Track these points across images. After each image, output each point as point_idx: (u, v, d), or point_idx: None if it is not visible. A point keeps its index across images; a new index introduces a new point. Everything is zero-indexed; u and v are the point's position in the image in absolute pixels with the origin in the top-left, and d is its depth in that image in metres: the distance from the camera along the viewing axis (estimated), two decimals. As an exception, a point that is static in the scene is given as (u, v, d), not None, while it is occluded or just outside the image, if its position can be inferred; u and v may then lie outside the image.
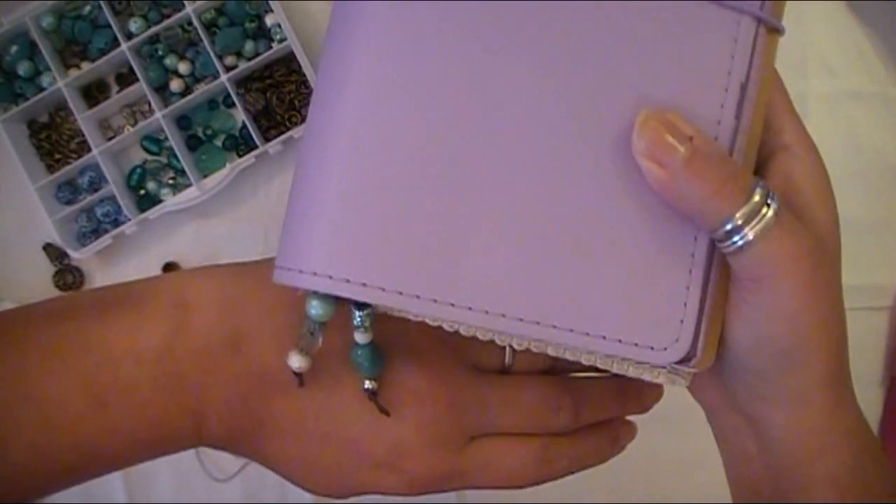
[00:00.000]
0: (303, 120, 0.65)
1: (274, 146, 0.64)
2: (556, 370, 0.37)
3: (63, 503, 0.64)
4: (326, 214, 0.29)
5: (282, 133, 0.64)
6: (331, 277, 0.29)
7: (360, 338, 0.32)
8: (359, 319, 0.31)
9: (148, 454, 0.33)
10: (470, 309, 0.30)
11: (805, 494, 0.31)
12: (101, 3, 0.63)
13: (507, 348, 0.36)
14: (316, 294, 0.30)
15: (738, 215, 0.28)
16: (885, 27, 0.65)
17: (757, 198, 0.28)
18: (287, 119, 0.65)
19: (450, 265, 0.30)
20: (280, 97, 0.66)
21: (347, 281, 0.29)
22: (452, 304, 0.30)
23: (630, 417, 0.40)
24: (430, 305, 0.30)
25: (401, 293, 0.29)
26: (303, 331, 0.31)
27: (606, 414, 0.39)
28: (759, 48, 0.30)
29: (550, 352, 0.32)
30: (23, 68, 0.64)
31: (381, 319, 0.32)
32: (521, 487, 0.36)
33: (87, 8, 0.65)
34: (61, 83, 0.63)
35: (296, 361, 0.31)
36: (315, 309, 0.31)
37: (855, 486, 0.31)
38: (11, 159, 0.64)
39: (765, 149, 0.32)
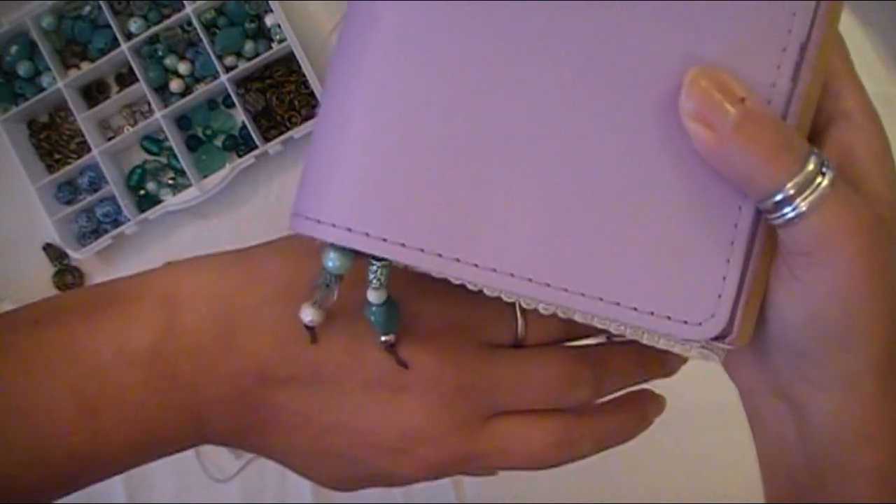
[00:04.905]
0: (303, 120, 0.65)
1: (274, 146, 0.64)
2: (573, 337, 0.36)
3: (63, 503, 0.64)
4: (349, 165, 0.28)
5: (282, 133, 0.64)
6: (350, 230, 0.28)
7: (374, 297, 0.30)
8: (373, 274, 0.30)
9: (147, 457, 0.32)
10: (494, 271, 0.28)
11: (846, 484, 0.30)
12: (101, 3, 0.63)
13: (519, 319, 0.34)
14: (333, 246, 0.29)
15: (789, 185, 0.26)
16: (885, 27, 0.65)
17: (811, 166, 0.26)
18: (287, 119, 0.65)
19: (475, 224, 0.28)
20: (280, 97, 0.65)
21: (367, 235, 0.28)
22: (476, 265, 0.28)
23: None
24: (452, 265, 0.28)
25: (422, 250, 0.28)
26: (318, 282, 0.30)
27: (629, 382, 0.37)
28: (823, 6, 0.27)
29: (578, 318, 0.31)
30: (23, 68, 0.64)
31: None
32: (542, 469, 0.35)
33: (87, 8, 0.65)
34: (61, 83, 0.63)
35: (308, 315, 0.30)
36: (332, 261, 0.29)
37: None
38: (11, 159, 0.64)
39: (822, 116, 0.30)
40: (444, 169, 0.28)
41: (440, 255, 0.28)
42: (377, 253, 0.28)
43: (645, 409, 0.37)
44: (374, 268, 0.30)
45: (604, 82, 0.28)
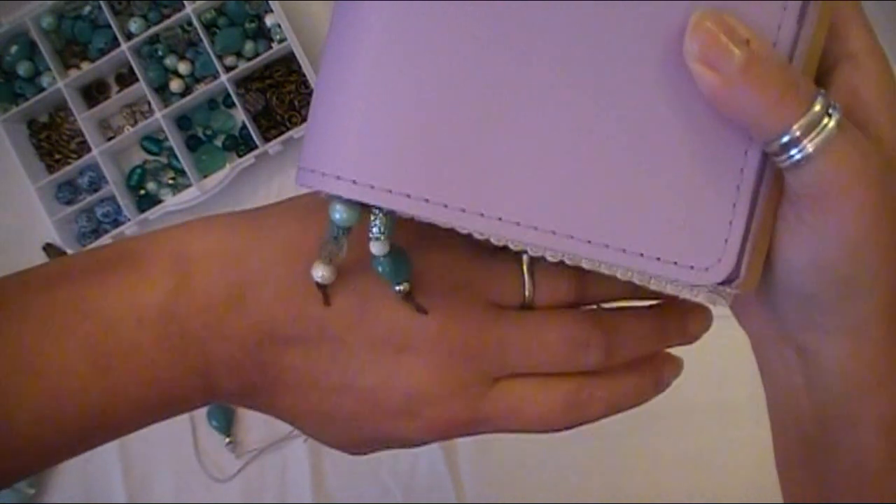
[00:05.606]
0: (303, 120, 0.65)
1: (274, 146, 0.64)
2: (583, 302, 0.35)
3: (63, 503, 0.64)
4: (352, 117, 0.28)
5: (282, 133, 0.64)
6: (355, 182, 0.28)
7: (377, 249, 0.30)
8: (376, 229, 0.30)
9: (157, 416, 0.32)
10: (500, 220, 0.28)
11: (852, 432, 0.30)
12: (101, 3, 0.64)
13: (526, 280, 0.34)
14: (340, 198, 0.29)
15: (795, 126, 0.26)
16: (886, 27, 0.65)
17: (817, 107, 0.26)
18: (287, 119, 0.65)
19: (480, 173, 0.28)
20: (280, 97, 0.66)
21: (372, 187, 0.28)
22: (482, 215, 0.28)
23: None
24: (457, 215, 0.28)
25: (427, 201, 0.28)
26: (326, 237, 0.30)
27: (645, 349, 0.35)
28: None
29: (585, 265, 0.30)
30: (23, 68, 0.64)
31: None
32: (554, 431, 0.34)
33: (87, 8, 0.65)
34: (61, 83, 0.64)
35: (319, 271, 0.30)
36: (339, 213, 0.29)
37: None
38: (11, 159, 0.64)
39: (828, 58, 0.29)
40: (447, 119, 0.28)
41: (446, 206, 0.28)
42: (383, 205, 0.29)
43: (660, 371, 0.36)
44: (375, 219, 0.30)
45: (608, 26, 0.28)
